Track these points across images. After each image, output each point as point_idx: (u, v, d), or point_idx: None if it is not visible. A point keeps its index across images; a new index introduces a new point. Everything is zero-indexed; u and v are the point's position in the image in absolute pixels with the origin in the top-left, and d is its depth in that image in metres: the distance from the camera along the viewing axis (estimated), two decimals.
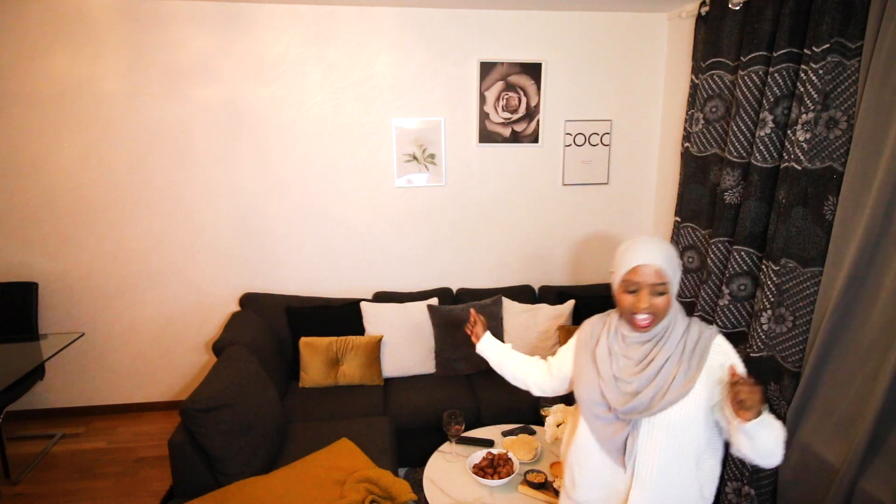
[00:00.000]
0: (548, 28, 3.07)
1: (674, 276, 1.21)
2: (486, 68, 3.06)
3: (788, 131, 2.15)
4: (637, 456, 1.24)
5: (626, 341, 1.29)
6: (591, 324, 1.42)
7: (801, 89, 2.05)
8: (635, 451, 1.24)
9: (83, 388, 3.17)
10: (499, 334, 3.01)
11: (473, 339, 1.73)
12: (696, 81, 2.75)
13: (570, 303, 3.06)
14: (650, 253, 1.20)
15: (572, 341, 1.46)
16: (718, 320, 2.57)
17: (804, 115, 2.02)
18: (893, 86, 1.77)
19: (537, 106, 3.16)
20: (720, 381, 1.20)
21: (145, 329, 3.14)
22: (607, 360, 1.30)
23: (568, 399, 2.62)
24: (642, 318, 1.21)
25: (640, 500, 1.24)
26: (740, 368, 1.21)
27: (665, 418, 1.21)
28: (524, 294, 3.22)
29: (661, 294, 1.20)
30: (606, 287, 3.32)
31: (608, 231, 3.44)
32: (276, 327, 2.91)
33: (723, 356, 1.24)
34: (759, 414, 1.08)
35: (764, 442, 1.11)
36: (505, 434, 2.30)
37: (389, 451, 2.23)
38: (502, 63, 3.07)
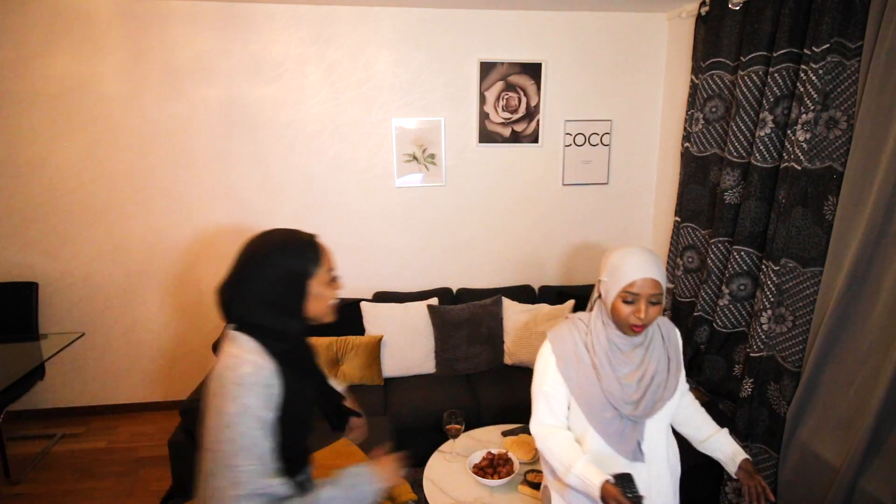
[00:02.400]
0: (548, 28, 3.07)
1: (665, 287, 1.33)
2: (486, 68, 3.06)
3: (788, 131, 2.15)
4: (647, 447, 1.36)
5: (619, 348, 1.36)
6: (564, 339, 1.40)
7: (801, 89, 2.05)
8: (646, 443, 1.36)
9: (83, 388, 3.17)
10: (499, 334, 3.01)
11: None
12: (696, 81, 2.75)
13: (570, 303, 3.06)
14: (650, 267, 1.28)
15: (548, 367, 1.39)
16: (718, 320, 2.57)
17: (804, 115, 2.02)
18: (893, 86, 1.77)
19: (537, 106, 3.16)
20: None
21: (145, 329, 3.14)
22: (609, 369, 1.34)
23: None
24: (636, 323, 1.29)
25: (654, 484, 1.37)
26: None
27: (664, 409, 1.37)
28: (524, 294, 3.22)
29: (656, 304, 1.29)
30: None
31: (608, 231, 3.44)
32: None
33: (679, 340, 1.47)
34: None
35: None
36: (505, 434, 2.30)
37: (389, 451, 2.23)
38: (502, 63, 3.07)
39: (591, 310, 1.44)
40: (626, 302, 1.28)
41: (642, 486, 1.29)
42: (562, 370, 1.37)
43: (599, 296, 1.39)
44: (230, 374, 1.04)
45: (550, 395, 1.39)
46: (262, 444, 1.04)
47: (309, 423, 1.22)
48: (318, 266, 1.15)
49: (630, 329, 1.30)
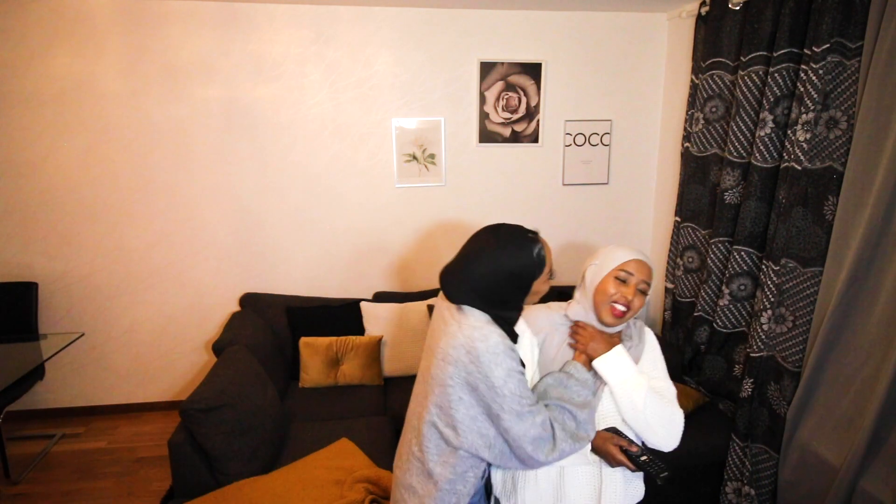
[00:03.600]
0: (548, 28, 3.07)
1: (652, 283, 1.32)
2: (486, 68, 3.06)
3: (788, 131, 2.15)
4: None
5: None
6: (538, 316, 1.39)
7: (801, 89, 2.06)
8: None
9: (83, 388, 3.17)
10: None
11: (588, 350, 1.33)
12: (696, 81, 2.75)
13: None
14: (645, 256, 1.31)
15: (523, 349, 1.34)
16: (718, 320, 2.57)
17: (804, 115, 2.02)
18: (893, 86, 1.77)
19: (537, 106, 3.16)
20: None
21: (145, 329, 3.14)
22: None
23: None
24: (620, 307, 1.27)
25: (607, 482, 1.31)
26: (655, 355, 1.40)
27: None
28: None
29: (643, 293, 1.29)
30: None
31: (608, 231, 3.43)
32: (276, 327, 2.91)
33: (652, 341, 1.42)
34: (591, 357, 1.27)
35: (623, 396, 1.25)
36: None
37: (389, 451, 2.23)
38: (502, 63, 3.07)
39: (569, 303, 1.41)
40: (617, 279, 1.27)
41: (595, 484, 1.28)
42: (538, 344, 1.35)
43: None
44: (482, 346, 1.15)
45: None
46: (527, 391, 1.18)
47: None
48: (542, 268, 1.23)
49: (611, 313, 1.27)
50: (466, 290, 1.21)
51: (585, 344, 1.29)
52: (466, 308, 1.21)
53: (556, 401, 1.22)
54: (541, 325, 1.37)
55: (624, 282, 1.27)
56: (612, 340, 1.30)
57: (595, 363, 1.27)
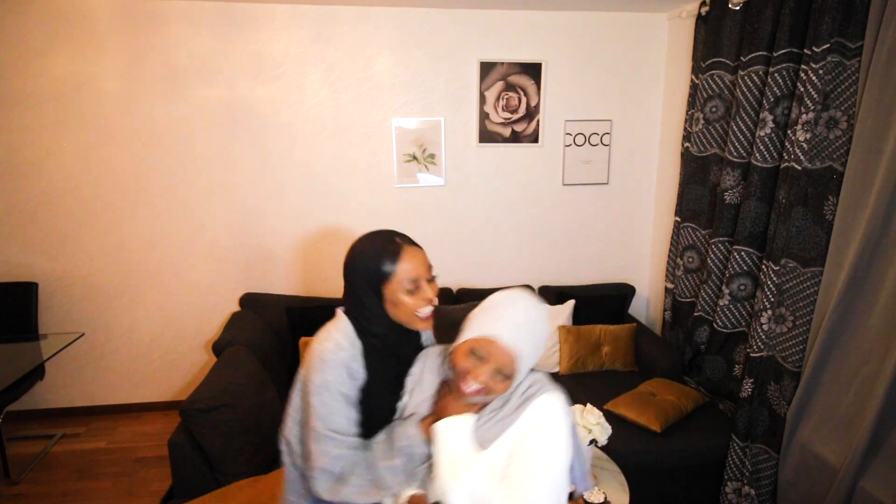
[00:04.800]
0: (548, 28, 3.07)
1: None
2: (486, 68, 3.06)
3: (788, 131, 2.15)
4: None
5: None
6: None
7: (801, 89, 2.06)
8: None
9: (83, 388, 3.17)
10: None
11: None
12: (696, 81, 2.75)
13: (570, 303, 3.06)
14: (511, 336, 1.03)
15: None
16: (718, 320, 2.57)
17: (804, 115, 2.02)
18: (893, 86, 1.77)
19: (537, 106, 3.16)
20: None
21: (145, 329, 3.14)
22: None
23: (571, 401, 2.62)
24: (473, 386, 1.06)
25: None
26: None
27: None
28: None
29: (508, 378, 1.06)
30: (607, 287, 3.32)
31: (608, 231, 3.43)
32: (276, 327, 2.91)
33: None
34: None
35: (450, 479, 1.03)
36: None
37: None
38: (502, 63, 3.07)
39: None
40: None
41: None
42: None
43: None
44: (318, 347, 1.12)
45: None
46: (339, 416, 1.11)
47: (383, 413, 1.21)
48: (392, 271, 1.11)
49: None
50: (345, 292, 1.20)
51: (442, 398, 1.11)
52: (339, 313, 1.20)
53: (380, 443, 1.14)
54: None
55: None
56: (469, 406, 1.08)
57: (434, 426, 1.06)
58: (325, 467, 1.09)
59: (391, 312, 1.14)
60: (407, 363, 1.23)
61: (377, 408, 1.18)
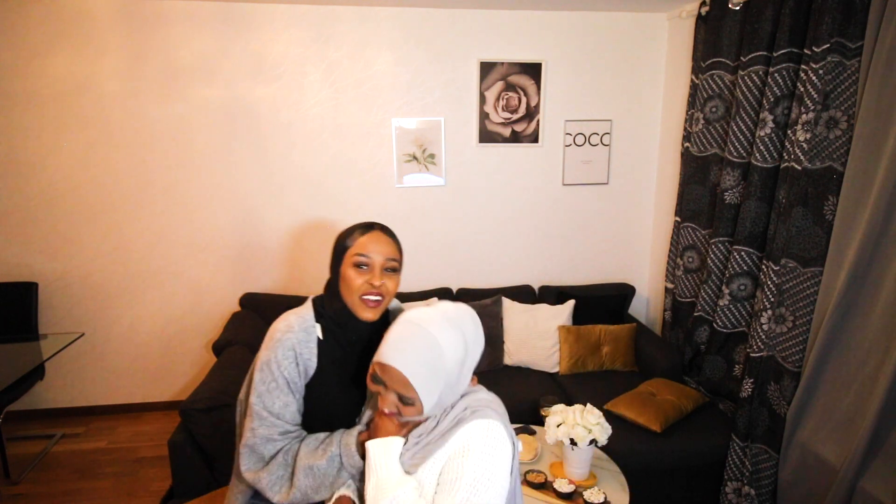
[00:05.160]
0: (548, 28, 3.07)
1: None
2: (486, 68, 3.06)
3: (788, 131, 2.15)
4: None
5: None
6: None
7: (801, 89, 2.06)
8: None
9: (83, 388, 3.17)
10: (499, 334, 3.01)
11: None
12: (696, 81, 2.75)
13: (570, 303, 3.06)
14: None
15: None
16: (718, 320, 2.57)
17: (804, 115, 2.02)
18: (893, 86, 1.77)
19: (537, 106, 3.16)
20: None
21: (145, 329, 3.14)
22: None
23: (568, 400, 2.62)
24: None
25: None
26: None
27: None
28: (524, 294, 3.22)
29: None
30: (607, 287, 3.32)
31: (608, 231, 3.43)
32: None
33: None
34: None
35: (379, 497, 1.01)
36: None
37: None
38: (502, 63, 3.07)
39: None
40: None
41: None
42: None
43: None
44: (272, 326, 1.13)
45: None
46: (276, 399, 1.10)
47: (336, 412, 1.19)
48: (350, 242, 1.16)
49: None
50: None
51: (378, 415, 1.05)
52: (310, 297, 1.24)
53: (314, 440, 1.12)
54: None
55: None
56: (402, 428, 1.04)
57: (367, 444, 1.03)
58: (251, 445, 1.09)
59: (342, 291, 1.15)
60: (362, 366, 1.18)
61: (325, 405, 1.17)
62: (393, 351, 0.96)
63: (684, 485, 2.40)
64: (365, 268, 1.13)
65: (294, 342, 1.12)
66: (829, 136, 2.01)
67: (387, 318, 1.24)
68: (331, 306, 1.18)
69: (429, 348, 0.96)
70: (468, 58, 3.05)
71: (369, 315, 1.14)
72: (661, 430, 2.31)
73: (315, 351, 1.14)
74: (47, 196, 2.89)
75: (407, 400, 0.97)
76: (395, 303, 1.30)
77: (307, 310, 1.18)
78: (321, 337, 1.16)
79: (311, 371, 1.14)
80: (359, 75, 2.99)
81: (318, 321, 1.17)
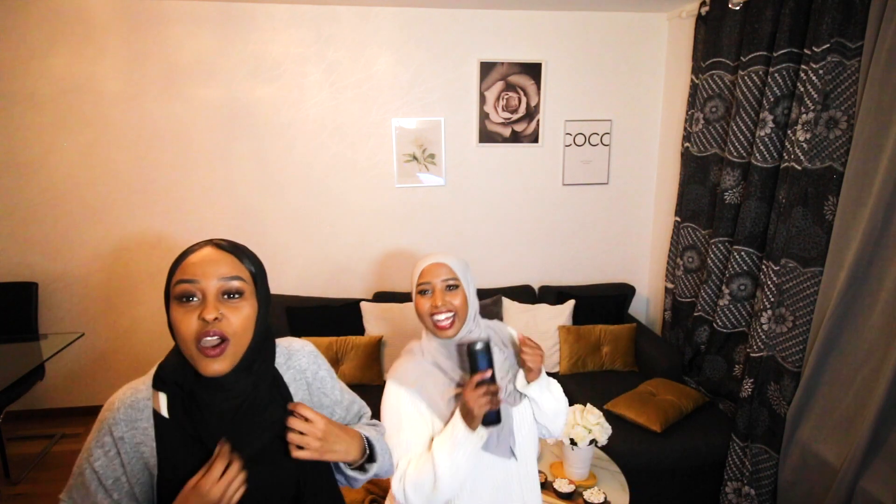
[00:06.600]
0: (548, 28, 3.07)
1: (459, 274, 1.22)
2: (486, 68, 3.06)
3: (788, 131, 2.15)
4: (516, 442, 1.25)
5: (448, 350, 1.26)
6: (406, 370, 1.30)
7: (801, 89, 2.06)
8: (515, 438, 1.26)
9: (83, 388, 3.17)
10: None
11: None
12: (696, 81, 2.75)
13: (570, 303, 3.06)
14: (436, 256, 1.24)
15: (400, 408, 1.29)
16: (718, 320, 2.57)
17: (804, 115, 2.02)
18: (893, 86, 1.77)
19: (537, 106, 3.16)
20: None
21: (145, 329, 3.14)
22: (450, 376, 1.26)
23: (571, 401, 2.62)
24: (441, 317, 1.20)
25: (526, 485, 1.27)
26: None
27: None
28: (524, 294, 3.22)
29: (453, 289, 1.20)
30: (607, 287, 3.32)
31: (608, 231, 3.44)
32: (276, 327, 2.91)
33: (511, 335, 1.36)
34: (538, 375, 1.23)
35: (547, 405, 1.27)
36: None
37: None
38: (502, 63, 3.07)
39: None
40: (421, 294, 1.21)
41: (517, 487, 1.25)
42: (420, 394, 1.25)
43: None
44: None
45: (411, 441, 1.23)
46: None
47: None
48: (171, 275, 0.85)
49: (436, 327, 1.20)
50: None
51: (536, 363, 1.21)
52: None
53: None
54: (410, 377, 1.27)
55: (427, 293, 1.21)
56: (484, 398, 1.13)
57: (531, 385, 1.23)
58: None
59: (176, 340, 0.90)
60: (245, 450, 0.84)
61: None
62: (422, 257, 1.25)
63: (684, 485, 2.40)
64: (194, 300, 0.81)
65: (110, 424, 0.83)
66: (829, 136, 2.01)
67: (276, 377, 0.91)
68: (169, 365, 0.88)
69: (456, 255, 1.26)
70: (468, 58, 3.05)
71: (216, 367, 0.82)
72: (661, 430, 2.31)
73: (151, 434, 0.83)
74: (47, 196, 2.89)
75: (452, 283, 1.20)
76: (297, 343, 0.99)
77: (147, 375, 0.88)
78: (165, 413, 0.85)
79: (152, 465, 0.82)
80: (359, 75, 2.99)
81: (159, 388, 0.86)
